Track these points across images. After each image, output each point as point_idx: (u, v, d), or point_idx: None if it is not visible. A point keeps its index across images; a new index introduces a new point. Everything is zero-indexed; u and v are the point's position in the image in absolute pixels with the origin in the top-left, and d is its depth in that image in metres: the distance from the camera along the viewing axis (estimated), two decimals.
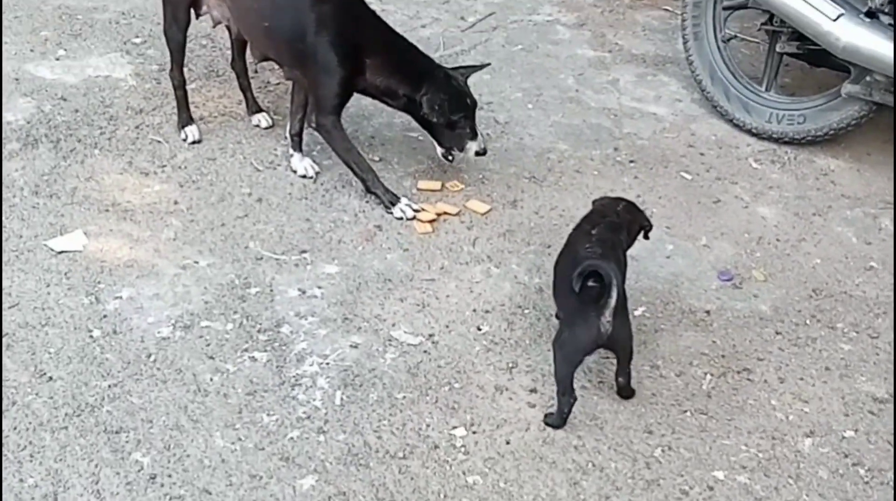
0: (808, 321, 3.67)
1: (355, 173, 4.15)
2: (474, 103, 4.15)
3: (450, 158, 4.22)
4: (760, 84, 4.79)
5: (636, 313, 3.64)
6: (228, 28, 4.36)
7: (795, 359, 3.49)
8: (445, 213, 4.13)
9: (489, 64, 4.48)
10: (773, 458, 3.10)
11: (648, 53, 5.57)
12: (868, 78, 4.32)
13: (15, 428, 3.02)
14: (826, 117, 4.56)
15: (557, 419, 3.10)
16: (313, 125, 4.17)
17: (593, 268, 3.00)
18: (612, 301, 2.97)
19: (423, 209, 4.10)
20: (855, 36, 4.29)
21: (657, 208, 4.24)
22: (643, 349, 3.40)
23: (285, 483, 2.92)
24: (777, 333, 3.60)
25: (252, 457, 3.00)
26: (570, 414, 3.10)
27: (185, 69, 4.50)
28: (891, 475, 3.06)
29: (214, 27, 4.43)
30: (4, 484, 2.83)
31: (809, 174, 4.57)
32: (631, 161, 4.59)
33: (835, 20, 4.30)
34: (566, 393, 3.08)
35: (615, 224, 3.36)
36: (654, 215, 4.17)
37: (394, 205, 4.09)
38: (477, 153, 4.17)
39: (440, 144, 4.18)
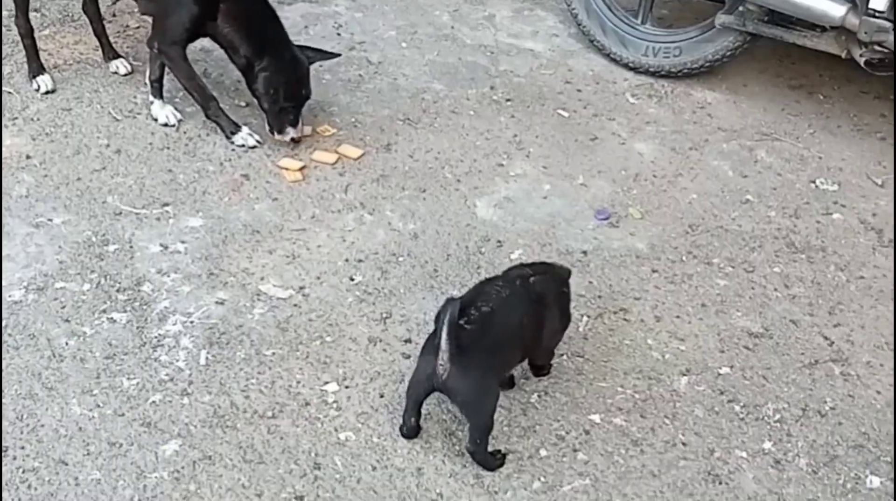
0: (684, 258, 3.64)
1: (196, 101, 4.03)
2: (307, 95, 4.01)
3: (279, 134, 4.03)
4: (636, 17, 4.72)
5: (513, 255, 3.56)
6: None
7: (672, 297, 3.46)
8: (317, 162, 3.97)
9: (340, 55, 4.28)
10: (649, 398, 3.07)
11: None
12: (741, 7, 4.27)
13: None
14: (701, 49, 4.52)
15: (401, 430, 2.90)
16: (155, 49, 3.98)
17: (454, 304, 2.65)
18: (443, 344, 2.62)
19: (294, 156, 3.95)
20: None
21: (534, 148, 4.17)
22: None
23: (147, 450, 2.79)
24: (654, 271, 3.57)
25: (111, 424, 2.85)
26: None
27: (37, 14, 4.27)
28: (765, 410, 3.05)
29: None
30: None
31: (686, 108, 4.53)
32: (507, 100, 4.49)
33: None
34: (406, 418, 2.87)
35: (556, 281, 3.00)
36: (532, 155, 4.10)
37: (235, 134, 4.00)
38: (293, 140, 4.00)
39: (265, 118, 4.02)
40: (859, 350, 3.28)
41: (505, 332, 2.78)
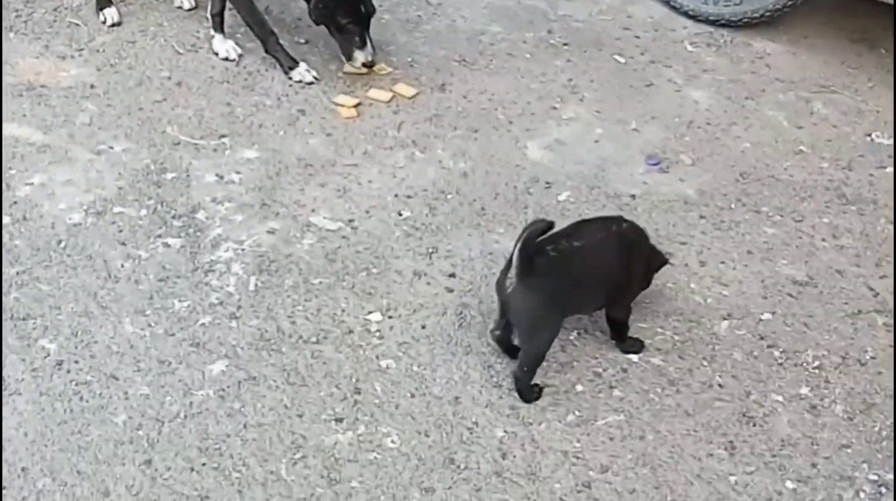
0: (732, 205, 3.63)
1: (256, 35, 4.10)
2: (369, 12, 3.99)
3: (349, 61, 4.05)
4: None
5: (560, 197, 3.59)
6: None
7: (718, 243, 3.46)
8: (372, 100, 4.02)
9: None
10: (688, 340, 3.09)
11: None
12: None
13: None
14: None
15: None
16: None
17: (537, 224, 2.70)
18: (514, 259, 2.68)
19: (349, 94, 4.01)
20: None
21: (588, 92, 4.17)
22: None
23: (195, 368, 2.89)
24: (701, 217, 3.57)
25: (161, 343, 2.96)
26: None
27: None
28: (804, 356, 3.06)
29: None
30: None
31: (745, 58, 4.49)
32: (564, 44, 4.49)
33: None
34: (496, 319, 2.94)
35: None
36: (586, 100, 4.10)
37: (292, 69, 4.06)
38: (364, 65, 4.02)
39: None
40: None
41: (588, 272, 2.80)
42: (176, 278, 3.17)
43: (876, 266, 3.40)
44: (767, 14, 4.48)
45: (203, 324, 3.03)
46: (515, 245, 2.67)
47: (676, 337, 3.10)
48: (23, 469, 2.58)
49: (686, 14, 4.67)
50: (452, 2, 4.72)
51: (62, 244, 3.24)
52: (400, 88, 4.08)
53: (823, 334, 3.14)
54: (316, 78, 4.05)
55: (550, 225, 2.72)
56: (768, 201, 3.66)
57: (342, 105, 3.96)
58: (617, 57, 4.42)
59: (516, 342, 2.89)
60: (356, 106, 3.97)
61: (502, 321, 2.90)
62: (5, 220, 3.31)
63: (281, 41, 4.09)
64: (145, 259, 3.23)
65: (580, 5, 4.77)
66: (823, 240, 3.50)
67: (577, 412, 2.84)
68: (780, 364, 3.05)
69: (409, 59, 4.26)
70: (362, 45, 3.99)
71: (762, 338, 3.13)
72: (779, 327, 3.16)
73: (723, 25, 4.61)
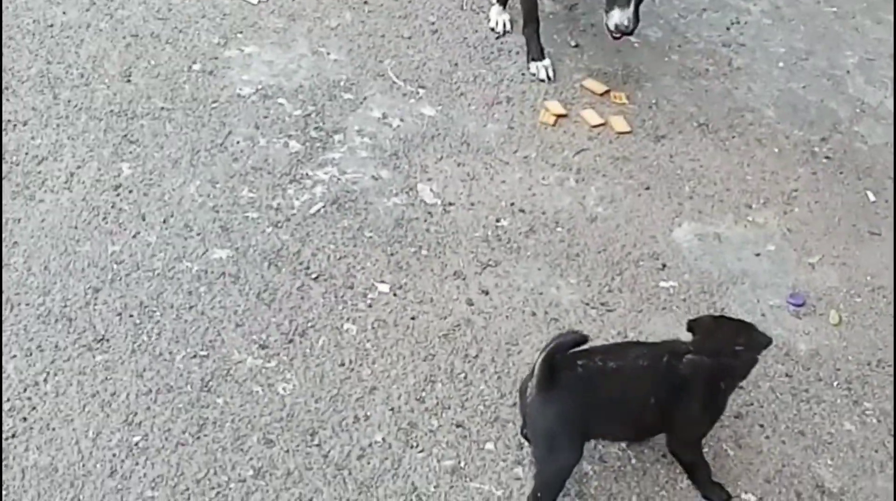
0: (829, 398, 3.16)
1: (523, 14, 4.12)
2: None
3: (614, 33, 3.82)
4: None
5: (664, 283, 3.36)
6: None
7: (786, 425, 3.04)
8: (580, 118, 3.97)
9: None
10: None
11: None
12: None
13: None
14: None
15: None
16: None
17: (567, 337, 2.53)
18: (536, 367, 2.47)
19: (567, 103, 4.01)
20: None
21: (802, 209, 3.76)
22: None
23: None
24: (789, 378, 3.15)
25: None
26: None
27: None
28: None
29: None
30: None
31: None
32: (830, 155, 4.04)
33: None
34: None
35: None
36: (792, 213, 3.73)
37: (535, 60, 4.07)
38: (617, 27, 3.73)
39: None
40: None
41: (614, 399, 2.55)
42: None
43: None
44: None
45: None
46: (540, 354, 2.49)
47: None
48: None
49: None
50: (755, 70, 4.40)
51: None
52: (615, 121, 3.97)
53: None
54: (549, 78, 4.06)
55: (584, 339, 2.52)
56: (879, 400, 3.12)
57: (547, 109, 3.94)
58: (869, 193, 3.90)
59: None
60: (560, 116, 3.93)
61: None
62: None
63: (553, 36, 4.12)
64: None
65: (885, 131, 4.22)
66: None
67: None
68: None
69: (654, 102, 4.11)
70: (625, 5, 3.70)
71: None
72: None
73: None
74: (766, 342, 2.64)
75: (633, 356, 2.61)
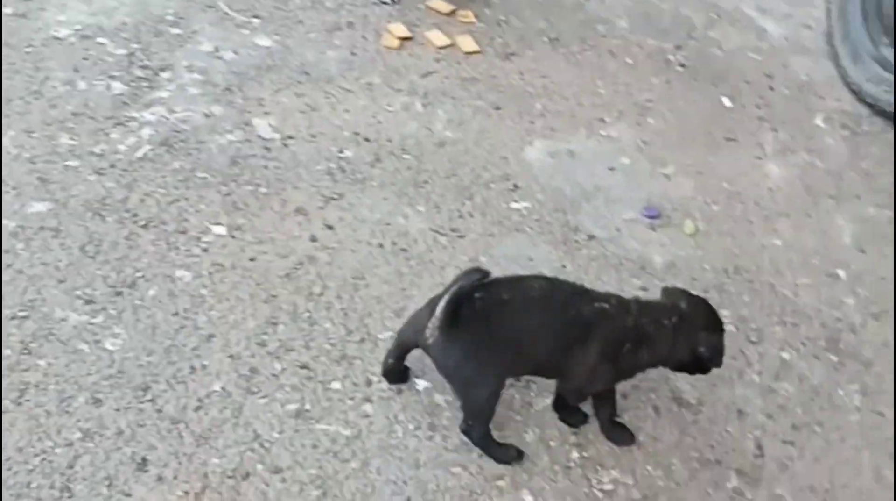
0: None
1: None
2: None
3: None
4: (890, 36, 3.85)
5: (514, 205, 3.24)
6: None
7: None
8: (426, 40, 3.81)
9: None
10: None
11: None
12: None
13: None
14: None
15: None
16: None
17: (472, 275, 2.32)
18: (439, 309, 2.30)
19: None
20: None
21: (657, 119, 3.69)
22: None
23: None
24: (642, 288, 3.07)
25: None
26: None
27: None
28: None
29: None
30: None
31: (872, 155, 3.73)
32: (682, 65, 3.99)
33: None
34: (386, 357, 2.63)
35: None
36: (644, 125, 3.65)
37: None
38: None
39: None
40: None
41: (511, 331, 2.36)
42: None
43: None
44: None
45: None
46: (444, 293, 2.32)
47: None
48: None
49: (848, 85, 3.94)
50: None
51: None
52: (462, 40, 3.83)
53: None
54: (393, 2, 3.88)
55: (486, 275, 2.34)
56: (736, 307, 3.06)
57: (390, 32, 3.77)
58: (725, 99, 3.83)
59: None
60: (405, 39, 3.76)
61: (397, 351, 2.59)
62: None
63: None
64: None
65: (740, 34, 4.17)
66: None
67: None
68: None
69: (504, 19, 3.97)
70: None
71: None
72: None
73: (880, 113, 3.84)
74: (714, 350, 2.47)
75: (530, 288, 2.43)
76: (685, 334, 2.42)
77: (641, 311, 2.44)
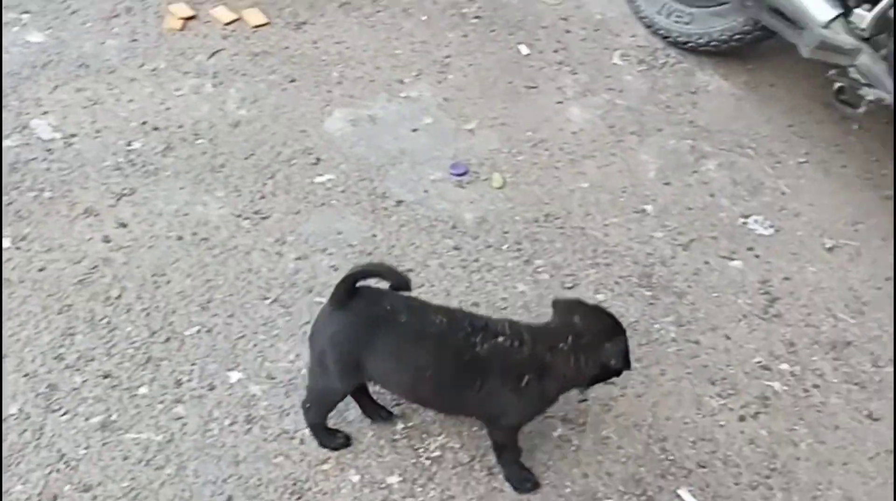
0: (504, 247, 3.06)
1: None
2: None
3: None
4: None
5: (318, 179, 3.15)
6: None
7: (461, 273, 2.92)
8: (211, 17, 3.66)
9: None
10: None
11: None
12: None
13: None
14: (710, 23, 3.69)
15: None
16: None
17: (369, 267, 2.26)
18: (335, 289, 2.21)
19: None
20: None
21: (456, 75, 3.62)
22: None
23: None
24: (455, 247, 3.03)
25: None
26: None
27: None
28: None
29: None
30: None
31: (671, 87, 3.77)
32: (476, 17, 3.95)
33: None
34: None
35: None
36: (445, 83, 3.60)
37: None
38: None
39: None
40: None
41: (391, 351, 2.22)
42: None
43: None
44: (713, 44, 3.73)
45: None
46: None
47: None
48: None
49: (642, 20, 3.97)
50: None
51: None
52: (249, 14, 3.70)
53: None
54: None
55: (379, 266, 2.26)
56: (549, 255, 3.04)
57: (173, 14, 3.61)
58: (522, 46, 3.81)
59: None
60: (188, 19, 3.61)
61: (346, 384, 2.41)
62: None
63: None
64: None
65: None
66: None
67: None
68: None
69: None
70: None
71: None
72: None
73: (673, 44, 3.88)
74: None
75: (431, 318, 2.26)
76: (587, 352, 2.26)
77: (536, 339, 2.28)
